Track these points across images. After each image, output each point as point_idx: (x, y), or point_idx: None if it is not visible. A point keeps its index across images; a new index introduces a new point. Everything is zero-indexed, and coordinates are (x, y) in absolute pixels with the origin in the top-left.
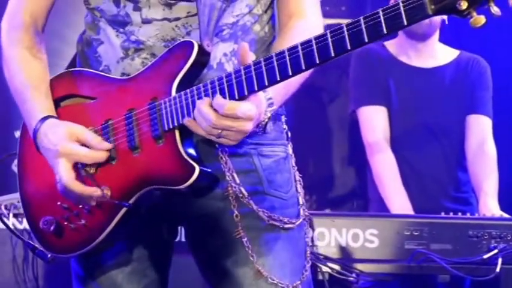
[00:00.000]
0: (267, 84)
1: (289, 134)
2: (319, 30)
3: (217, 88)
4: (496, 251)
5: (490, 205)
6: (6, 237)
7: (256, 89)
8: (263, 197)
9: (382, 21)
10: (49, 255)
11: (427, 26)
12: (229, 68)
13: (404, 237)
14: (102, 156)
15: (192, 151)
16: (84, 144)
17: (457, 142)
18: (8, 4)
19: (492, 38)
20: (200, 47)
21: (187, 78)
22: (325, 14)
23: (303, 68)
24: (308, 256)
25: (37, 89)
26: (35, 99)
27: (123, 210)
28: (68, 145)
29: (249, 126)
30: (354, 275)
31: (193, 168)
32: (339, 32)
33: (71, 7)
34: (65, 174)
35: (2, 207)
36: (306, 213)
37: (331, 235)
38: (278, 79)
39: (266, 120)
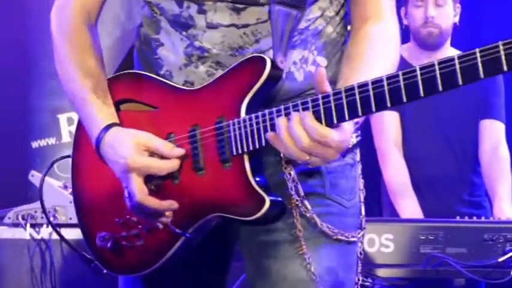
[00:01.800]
0: (360, 114)
1: (359, 139)
2: (397, 37)
3: None
4: (511, 254)
5: (505, 209)
6: (24, 248)
7: (347, 118)
8: (322, 200)
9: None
10: (104, 271)
11: (438, 37)
12: (300, 77)
13: (420, 242)
14: (174, 165)
15: (261, 178)
16: (153, 153)
17: (470, 147)
18: None
19: None
20: (273, 63)
21: (258, 97)
22: None
23: (404, 100)
24: (359, 269)
25: (96, 92)
26: (95, 105)
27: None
28: (137, 158)
29: (336, 157)
30: (369, 279)
31: (264, 200)
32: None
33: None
34: (138, 190)
35: (20, 217)
36: (365, 226)
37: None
38: (374, 110)
39: (350, 146)
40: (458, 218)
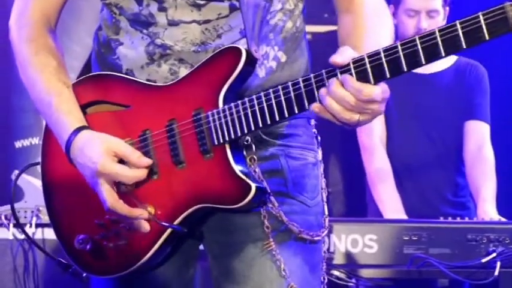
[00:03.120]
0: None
1: (319, 138)
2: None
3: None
4: (494, 254)
5: (488, 210)
6: (6, 248)
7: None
8: (285, 199)
9: (461, 34)
10: (84, 274)
11: None
12: (262, 72)
13: (404, 242)
14: (142, 174)
15: (243, 167)
16: (122, 160)
17: (454, 147)
18: (14, 2)
19: (490, 44)
20: (248, 53)
21: (234, 87)
22: (325, 21)
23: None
24: (323, 268)
25: (61, 96)
26: (61, 109)
27: (169, 230)
28: (106, 164)
29: (382, 108)
30: (353, 280)
31: (249, 187)
32: (411, 44)
33: (85, 2)
34: (108, 196)
35: (2, 217)
36: (328, 225)
37: (331, 241)
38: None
39: None
40: (441, 219)
